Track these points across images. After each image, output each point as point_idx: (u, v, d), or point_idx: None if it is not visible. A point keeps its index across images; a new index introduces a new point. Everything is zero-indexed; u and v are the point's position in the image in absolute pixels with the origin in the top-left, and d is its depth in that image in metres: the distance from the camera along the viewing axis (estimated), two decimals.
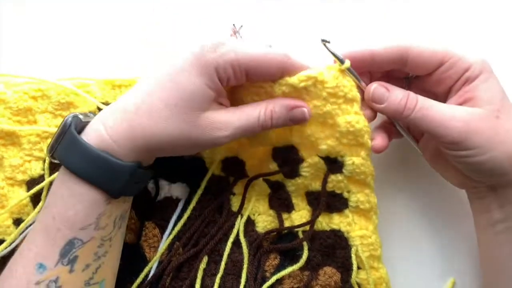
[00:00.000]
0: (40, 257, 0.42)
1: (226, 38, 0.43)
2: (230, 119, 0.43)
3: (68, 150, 0.42)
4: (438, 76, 0.46)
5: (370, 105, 0.47)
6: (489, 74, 0.45)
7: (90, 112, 0.47)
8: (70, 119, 0.43)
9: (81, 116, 0.44)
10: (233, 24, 0.50)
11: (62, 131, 0.43)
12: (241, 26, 0.50)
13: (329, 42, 0.46)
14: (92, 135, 0.42)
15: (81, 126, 0.43)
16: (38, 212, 0.49)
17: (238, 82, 0.44)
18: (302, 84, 0.45)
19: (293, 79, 0.45)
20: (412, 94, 0.45)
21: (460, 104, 0.46)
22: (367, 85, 0.47)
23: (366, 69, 0.48)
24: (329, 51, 0.46)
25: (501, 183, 0.46)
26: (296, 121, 0.46)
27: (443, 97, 0.48)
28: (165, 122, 0.42)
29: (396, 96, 0.45)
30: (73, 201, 0.42)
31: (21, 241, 0.49)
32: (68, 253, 0.42)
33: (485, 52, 0.48)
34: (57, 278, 0.42)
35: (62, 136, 0.43)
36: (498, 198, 0.47)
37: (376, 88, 0.46)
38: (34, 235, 0.43)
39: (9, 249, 0.49)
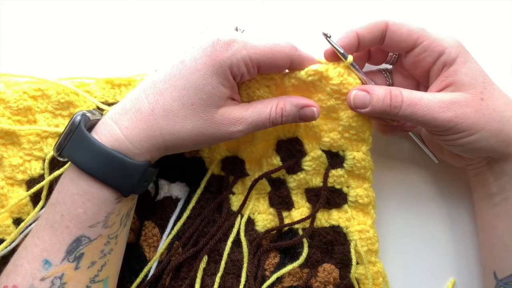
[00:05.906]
0: (46, 253, 0.41)
1: (232, 32, 0.44)
2: (244, 116, 0.44)
3: (79, 149, 0.42)
4: (413, 59, 0.47)
5: (355, 111, 0.47)
6: (466, 56, 0.46)
7: (95, 109, 0.47)
8: (78, 117, 0.43)
9: (88, 114, 0.43)
10: (236, 27, 0.50)
11: (70, 129, 0.42)
12: (243, 30, 0.50)
13: (330, 36, 0.46)
14: (105, 135, 0.42)
15: (89, 124, 0.43)
16: (39, 211, 0.49)
17: (251, 77, 0.45)
18: (310, 79, 0.47)
19: (301, 73, 0.47)
20: (394, 90, 0.45)
21: (442, 89, 0.46)
22: (371, 80, 0.48)
23: (356, 51, 0.47)
24: (332, 45, 0.46)
25: (493, 157, 0.47)
26: (305, 119, 0.47)
27: (424, 82, 0.49)
28: (182, 121, 0.42)
29: (378, 96, 0.45)
30: (82, 199, 0.42)
31: (21, 240, 0.49)
32: (74, 250, 0.42)
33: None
34: (62, 275, 0.42)
35: (71, 134, 0.42)
36: (493, 172, 0.49)
37: (356, 94, 0.46)
38: (40, 231, 0.43)
39: (9, 248, 0.49)
